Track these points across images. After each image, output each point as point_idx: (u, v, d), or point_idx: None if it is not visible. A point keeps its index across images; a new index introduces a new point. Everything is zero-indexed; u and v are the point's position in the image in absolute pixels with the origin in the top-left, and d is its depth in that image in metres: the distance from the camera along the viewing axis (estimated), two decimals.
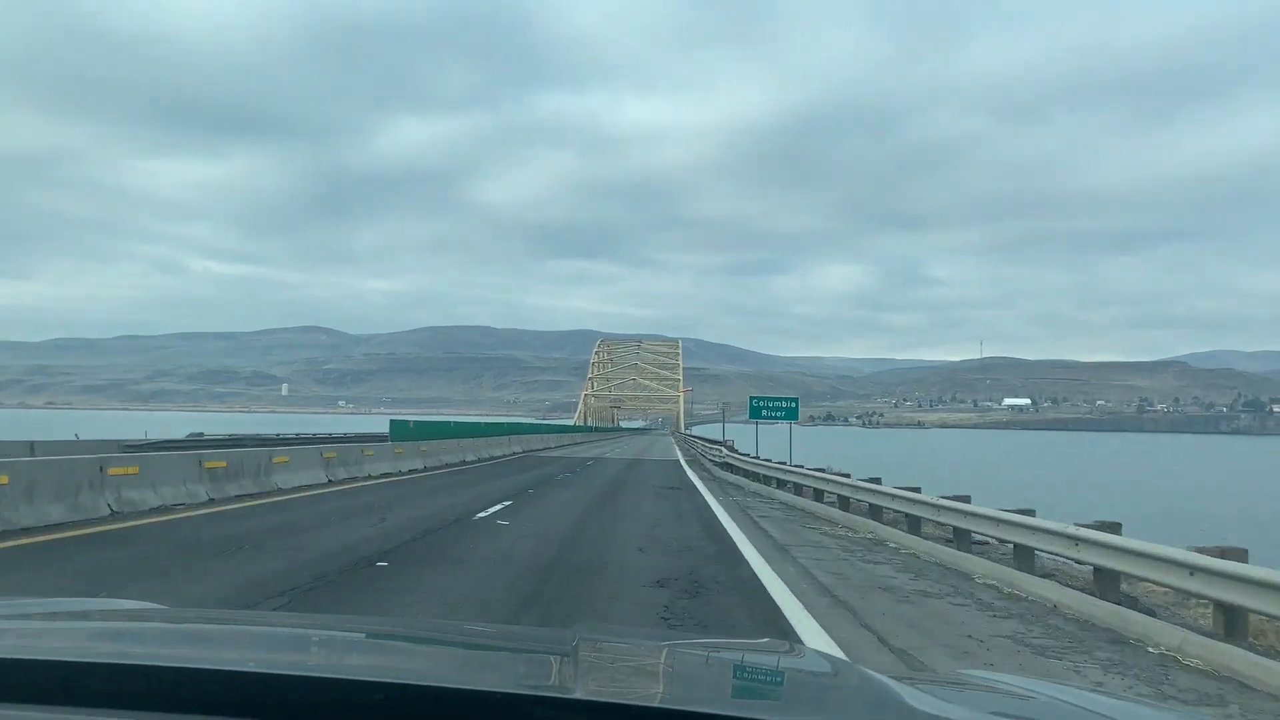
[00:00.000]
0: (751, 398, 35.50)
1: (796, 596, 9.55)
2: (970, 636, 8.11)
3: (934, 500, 13.41)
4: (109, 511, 13.97)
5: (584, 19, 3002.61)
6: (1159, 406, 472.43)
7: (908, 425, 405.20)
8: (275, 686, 1.48)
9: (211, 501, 16.91)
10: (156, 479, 15.74)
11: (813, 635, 7.71)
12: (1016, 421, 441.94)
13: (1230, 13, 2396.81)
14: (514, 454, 45.87)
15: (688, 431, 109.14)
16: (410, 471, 28.79)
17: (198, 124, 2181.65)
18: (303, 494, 19.62)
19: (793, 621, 8.25)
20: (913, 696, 1.70)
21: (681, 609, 8.53)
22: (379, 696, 1.43)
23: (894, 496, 15.11)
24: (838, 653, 6.66)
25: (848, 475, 19.16)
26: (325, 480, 22.57)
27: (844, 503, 18.72)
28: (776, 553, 12.88)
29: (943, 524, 13.74)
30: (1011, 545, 12.19)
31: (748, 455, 32.39)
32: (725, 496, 23.47)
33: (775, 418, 34.34)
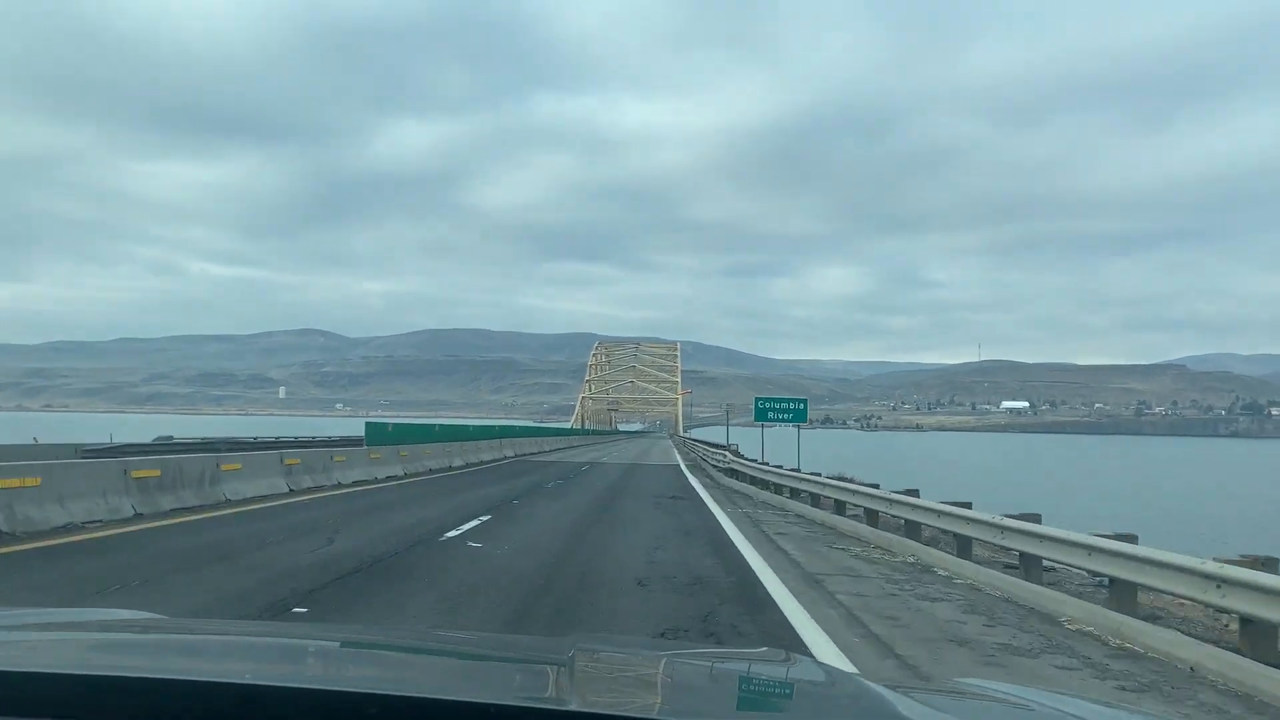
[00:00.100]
0: (757, 399, 32.98)
1: (848, 656, 7.15)
2: None
3: (996, 520, 10.97)
4: None
5: (583, 21, 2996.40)
6: (1157, 409, 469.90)
7: (906, 428, 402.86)
8: (270, 700, 1.47)
9: (138, 517, 14.48)
10: (66, 492, 13.28)
11: None
12: (1015, 425, 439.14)
13: (1229, 13, 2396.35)
14: (504, 459, 43.41)
15: (686, 434, 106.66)
16: (387, 479, 26.36)
17: (196, 126, 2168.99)
18: (254, 506, 17.20)
19: None
20: (909, 707, 1.71)
21: None
22: (373, 710, 1.43)
23: (941, 513, 12.67)
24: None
25: (876, 486, 16.72)
26: (285, 490, 20.15)
27: (872, 517, 16.33)
28: (807, 586, 10.45)
29: (1008, 548, 11.31)
30: (1105, 577, 9.82)
31: (755, 461, 29.95)
32: (734, 508, 21.04)
33: (782, 420, 31.92)
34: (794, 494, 21.53)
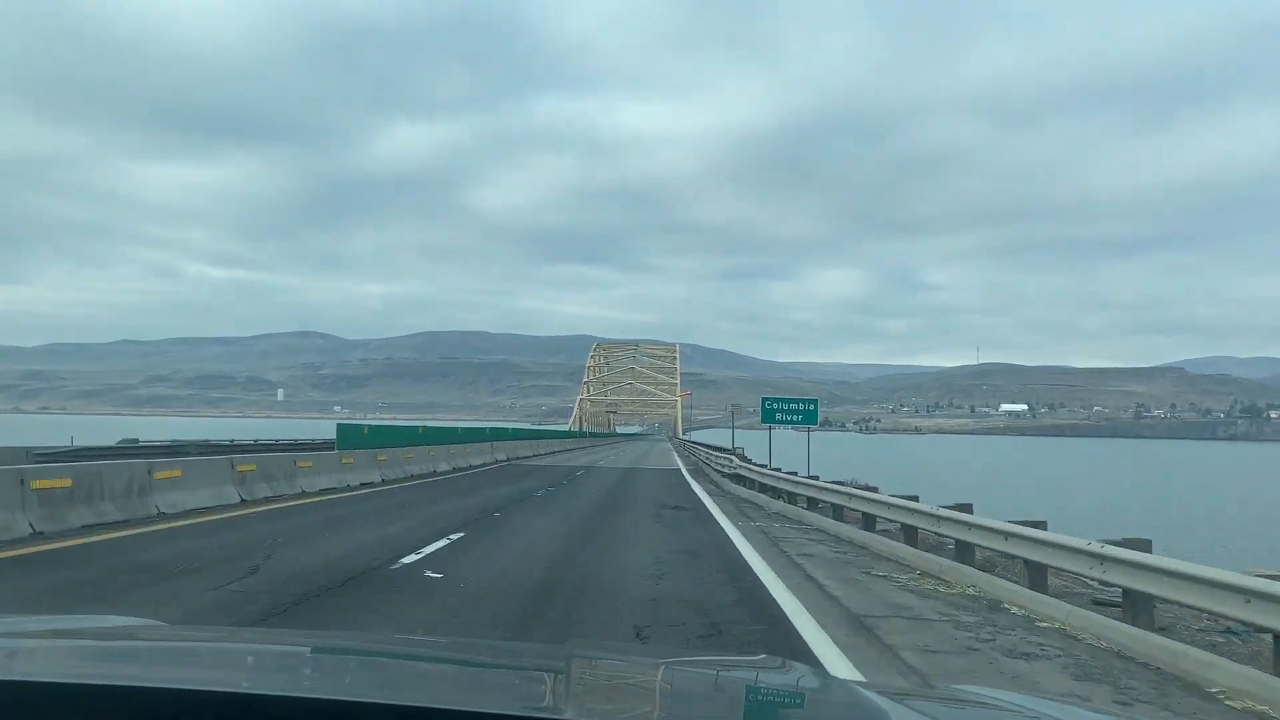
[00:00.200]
0: (764, 399, 30.50)
1: None
2: None
3: (1096, 549, 8.51)
4: None
5: (583, 22, 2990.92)
6: (1156, 412, 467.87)
7: (905, 431, 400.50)
8: (265, 707, 1.45)
9: (38, 536, 12.11)
10: None
11: None
12: (1013, 427, 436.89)
13: (1229, 16, 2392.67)
14: (495, 463, 40.99)
15: (686, 437, 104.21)
16: (361, 486, 23.98)
17: (195, 127, 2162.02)
18: (191, 521, 14.81)
19: None
20: (906, 716, 1.71)
21: None
22: (371, 718, 1.42)
23: (1010, 535, 10.23)
24: None
25: (915, 498, 14.29)
26: (237, 500, 17.77)
27: (909, 534, 13.94)
28: (856, 634, 8.05)
29: (1109, 584, 8.88)
30: (1245, 626, 7.47)
31: (764, 466, 27.54)
32: (745, 520, 18.64)
33: (792, 421, 29.48)
34: (811, 504, 19.15)
